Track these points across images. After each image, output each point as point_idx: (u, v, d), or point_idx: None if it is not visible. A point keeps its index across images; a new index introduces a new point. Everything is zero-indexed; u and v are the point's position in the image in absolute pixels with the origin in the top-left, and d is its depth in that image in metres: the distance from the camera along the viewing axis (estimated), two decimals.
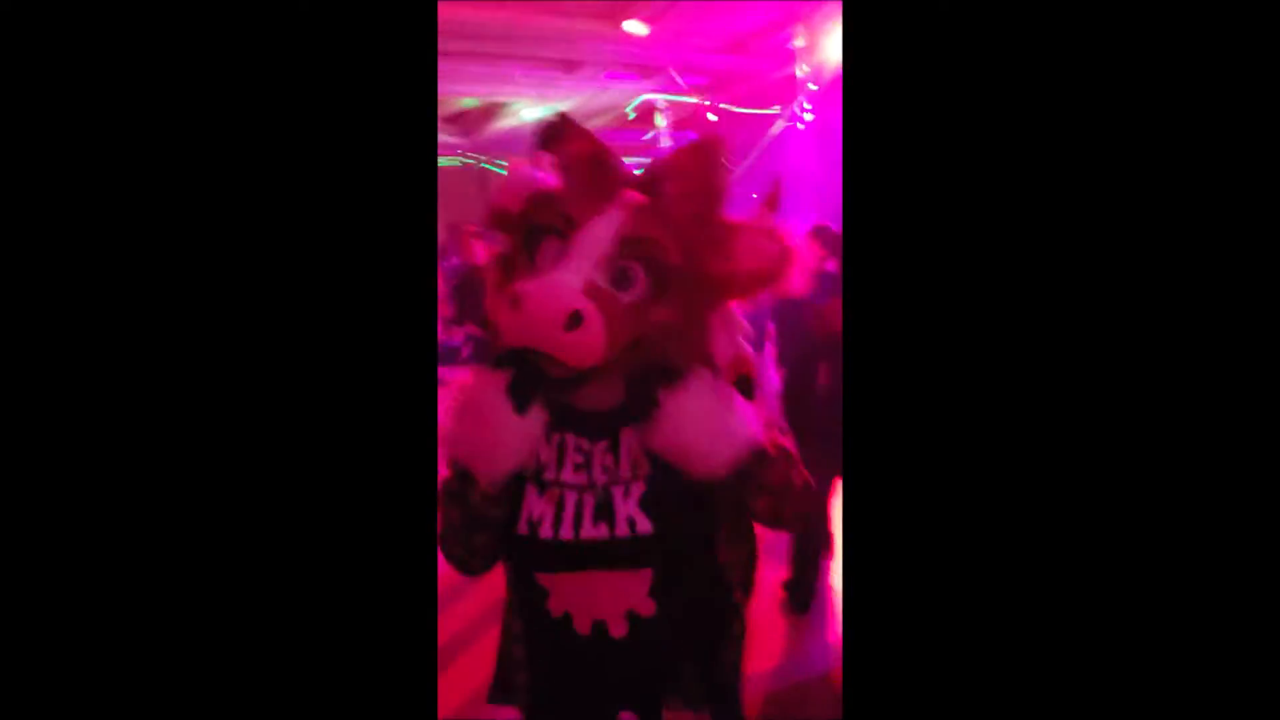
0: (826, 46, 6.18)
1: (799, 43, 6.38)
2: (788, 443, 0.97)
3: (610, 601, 0.93)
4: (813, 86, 6.47)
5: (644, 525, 0.91)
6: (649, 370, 0.88)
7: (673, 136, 7.90)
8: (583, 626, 0.94)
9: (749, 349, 1.03)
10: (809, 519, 0.93)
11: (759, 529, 1.03)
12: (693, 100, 7.31)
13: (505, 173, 1.01)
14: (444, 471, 0.91)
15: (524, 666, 1.03)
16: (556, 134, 0.94)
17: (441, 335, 4.39)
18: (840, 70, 5.43)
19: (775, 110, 6.90)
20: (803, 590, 2.61)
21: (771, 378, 3.07)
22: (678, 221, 0.89)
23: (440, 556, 0.92)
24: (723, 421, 0.88)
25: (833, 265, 3.19)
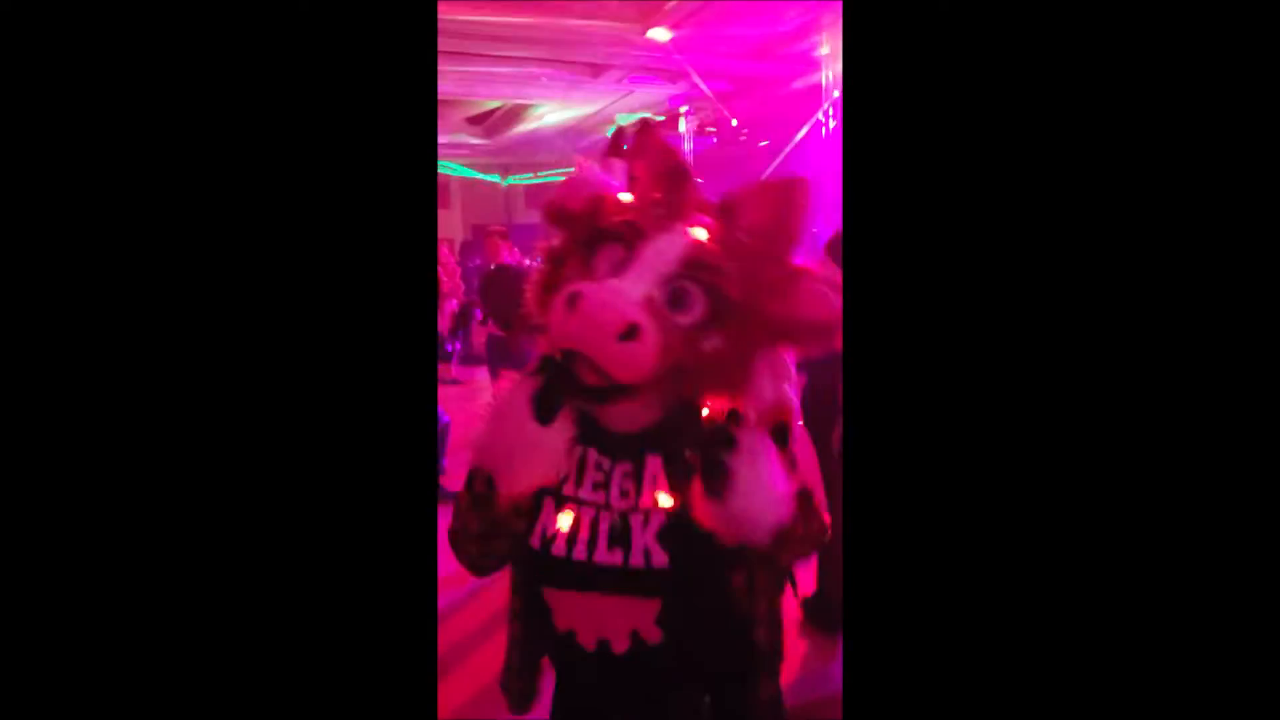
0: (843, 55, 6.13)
1: (824, 50, 6.37)
2: (817, 495, 0.95)
3: (616, 623, 0.92)
4: (837, 94, 6.45)
5: (659, 558, 0.89)
6: (711, 437, 0.85)
7: (695, 141, 7.90)
8: (587, 643, 0.93)
9: (792, 396, 1.00)
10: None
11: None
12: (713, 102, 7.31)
13: (571, 170, 0.99)
14: (445, 477, 0.91)
15: (520, 673, 1.03)
16: (640, 143, 0.93)
17: (446, 335, 4.42)
18: None
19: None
20: (830, 609, 2.49)
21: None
22: (745, 255, 0.87)
23: (442, 554, 0.90)
24: (772, 491, 0.84)
25: None
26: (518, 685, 1.03)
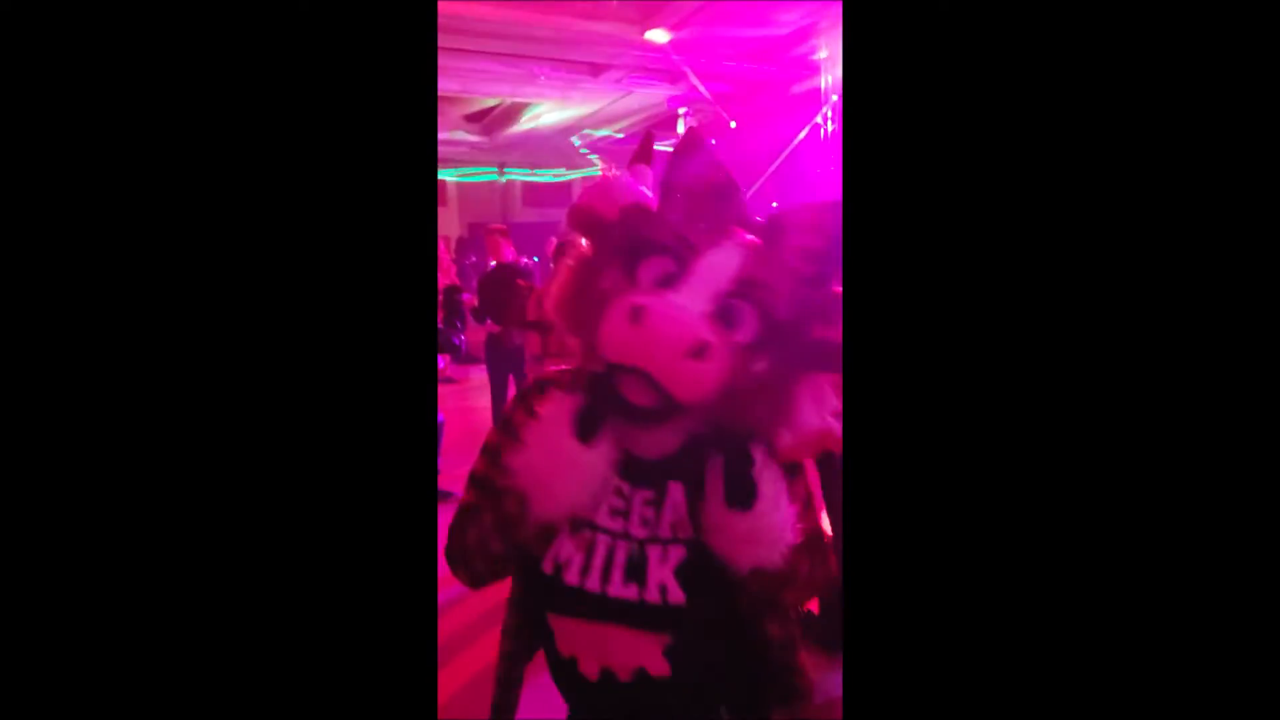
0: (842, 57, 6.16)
1: (822, 54, 6.39)
2: (827, 537, 0.93)
3: (621, 656, 0.88)
4: (835, 98, 6.48)
5: (676, 594, 0.85)
6: (733, 452, 0.83)
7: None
8: (589, 671, 0.90)
9: (837, 426, 0.95)
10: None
11: None
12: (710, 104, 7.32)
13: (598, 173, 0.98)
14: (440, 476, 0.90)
15: (515, 687, 1.01)
16: (685, 153, 0.89)
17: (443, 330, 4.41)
18: None
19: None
20: (833, 627, 2.43)
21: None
22: (793, 276, 0.83)
23: (442, 554, 0.90)
24: (789, 509, 0.83)
25: None
26: (499, 699, 1.01)
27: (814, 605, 2.54)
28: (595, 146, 9.29)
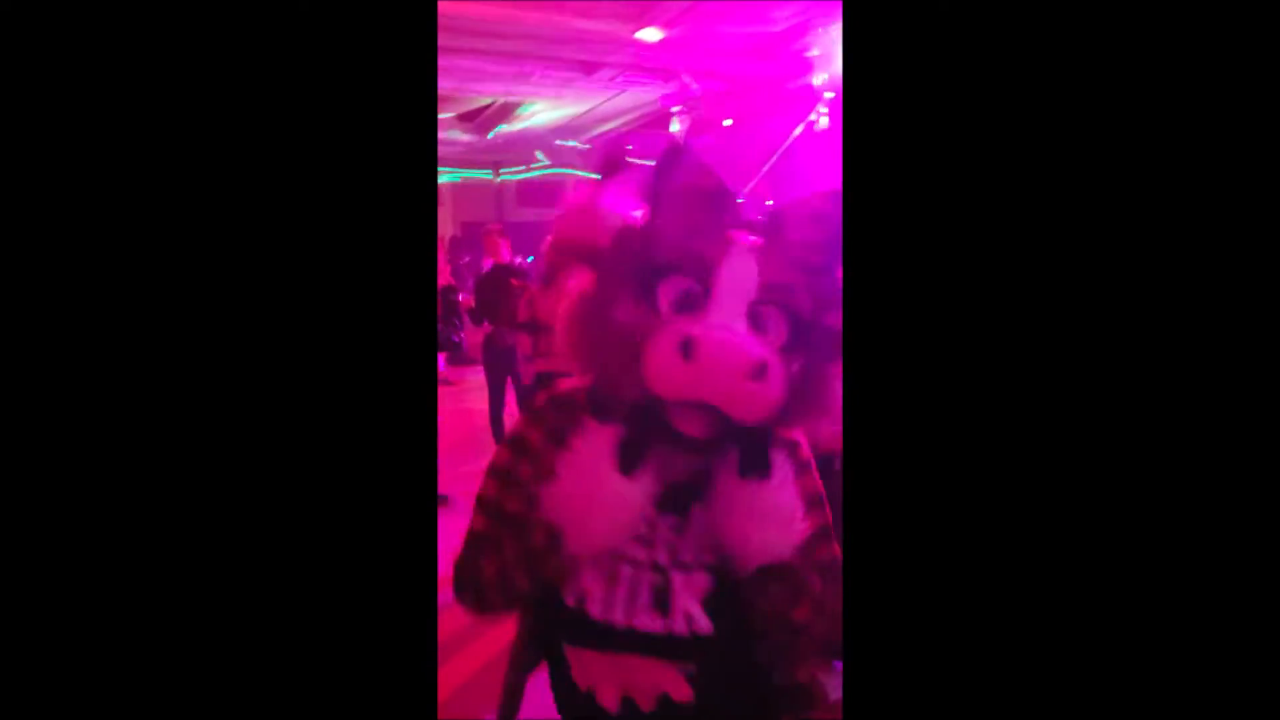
0: (841, 56, 6.19)
1: (814, 52, 6.39)
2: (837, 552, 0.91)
3: (643, 685, 0.86)
4: (829, 95, 6.48)
5: (703, 624, 0.83)
6: (751, 432, 0.80)
7: (689, 141, 7.90)
8: (609, 703, 0.87)
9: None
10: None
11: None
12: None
13: (570, 204, 0.92)
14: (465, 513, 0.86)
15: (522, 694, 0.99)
16: (670, 165, 0.85)
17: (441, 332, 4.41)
18: None
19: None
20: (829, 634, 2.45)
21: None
22: (805, 270, 0.82)
23: (443, 554, 0.86)
24: (797, 502, 0.82)
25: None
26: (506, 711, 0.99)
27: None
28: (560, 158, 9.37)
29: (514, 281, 4.46)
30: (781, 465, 0.83)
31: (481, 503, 0.91)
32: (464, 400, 6.28)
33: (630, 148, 1.01)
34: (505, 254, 4.84)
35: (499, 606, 0.90)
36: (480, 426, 5.23)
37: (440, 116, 8.32)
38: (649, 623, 0.84)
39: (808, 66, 6.57)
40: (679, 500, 0.86)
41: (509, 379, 4.70)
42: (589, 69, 6.93)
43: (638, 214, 0.86)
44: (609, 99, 7.94)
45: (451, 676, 2.28)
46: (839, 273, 0.84)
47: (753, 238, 0.83)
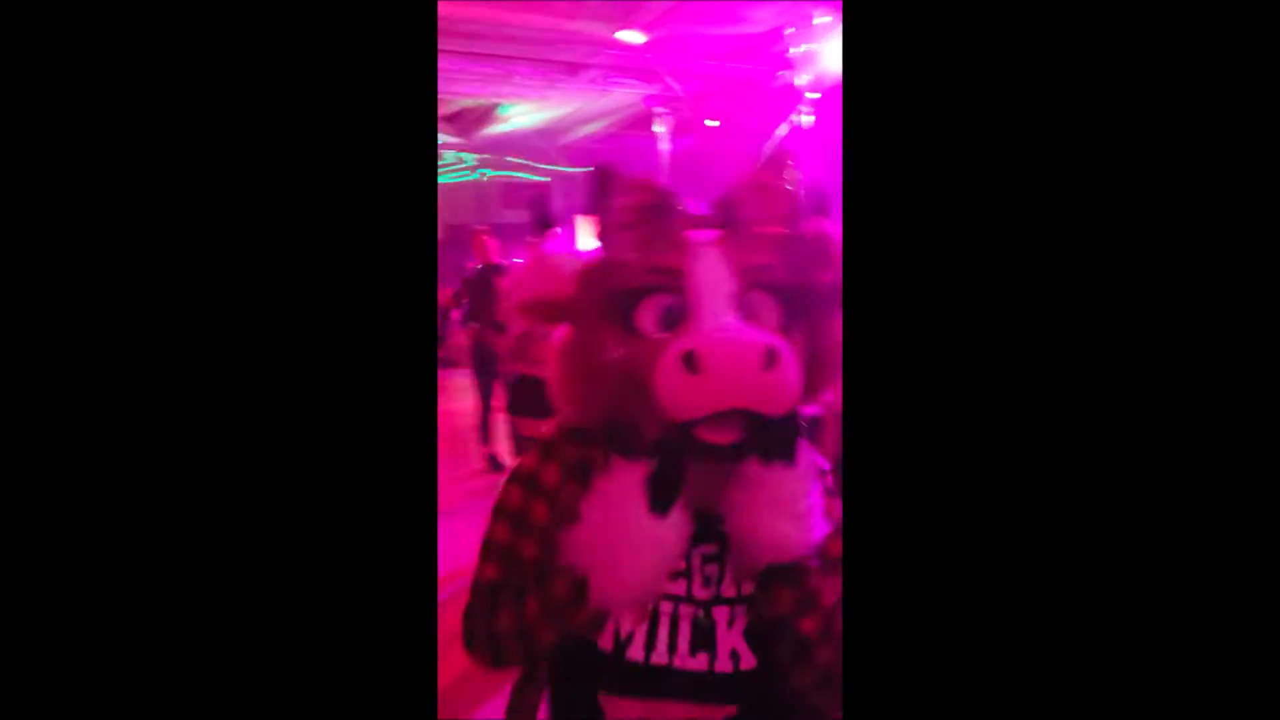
0: (825, 54, 6.22)
1: (800, 49, 6.41)
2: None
3: None
4: (811, 95, 6.50)
5: (748, 660, 0.78)
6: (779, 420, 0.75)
7: (673, 142, 7.90)
8: None
9: None
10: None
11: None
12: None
13: (523, 260, 0.88)
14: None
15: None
16: (604, 193, 0.81)
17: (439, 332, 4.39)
18: (839, 78, 5.46)
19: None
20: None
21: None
22: (771, 242, 0.79)
23: (443, 554, 0.84)
24: (814, 503, 0.78)
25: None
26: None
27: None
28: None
29: (496, 281, 4.44)
30: (806, 457, 0.79)
31: (491, 548, 0.85)
32: (452, 401, 6.20)
33: (545, 196, 0.98)
34: (494, 255, 4.82)
35: (518, 660, 0.84)
36: (470, 428, 5.23)
37: None
38: (693, 662, 0.79)
39: (790, 66, 6.59)
40: (713, 528, 0.80)
41: (495, 382, 4.68)
42: (573, 70, 6.91)
43: (583, 251, 0.83)
44: (593, 100, 7.92)
45: (451, 673, 2.27)
46: (807, 226, 0.82)
47: (709, 232, 0.80)
